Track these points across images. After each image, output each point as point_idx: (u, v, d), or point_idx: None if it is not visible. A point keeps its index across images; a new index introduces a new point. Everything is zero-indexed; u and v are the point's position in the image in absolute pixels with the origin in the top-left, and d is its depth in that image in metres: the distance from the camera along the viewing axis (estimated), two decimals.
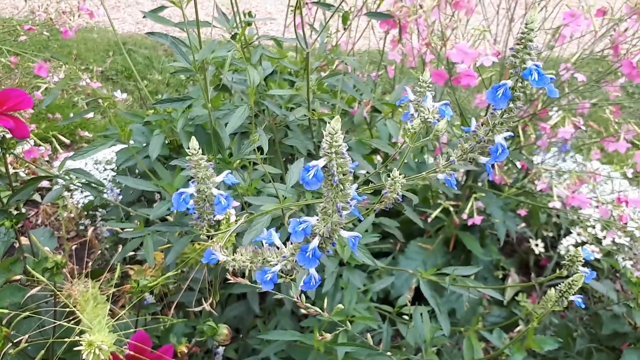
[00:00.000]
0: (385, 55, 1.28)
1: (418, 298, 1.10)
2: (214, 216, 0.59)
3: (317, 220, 0.45)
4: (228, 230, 0.64)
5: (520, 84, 0.45)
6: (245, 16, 1.10)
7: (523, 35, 0.44)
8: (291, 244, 0.49)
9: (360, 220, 0.69)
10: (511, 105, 0.46)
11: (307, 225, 0.45)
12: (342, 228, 0.45)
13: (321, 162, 0.41)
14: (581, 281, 0.62)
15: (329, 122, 1.09)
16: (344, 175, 0.42)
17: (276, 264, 0.49)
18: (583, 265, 0.70)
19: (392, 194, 0.52)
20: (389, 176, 0.53)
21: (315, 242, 0.45)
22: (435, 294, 0.95)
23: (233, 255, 0.51)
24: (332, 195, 0.43)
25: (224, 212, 0.55)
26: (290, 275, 0.68)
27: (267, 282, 0.49)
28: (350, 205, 0.45)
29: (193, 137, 0.51)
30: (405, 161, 0.57)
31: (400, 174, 0.53)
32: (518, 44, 0.44)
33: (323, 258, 0.99)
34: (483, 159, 0.50)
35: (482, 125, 0.49)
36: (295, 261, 0.48)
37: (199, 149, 0.52)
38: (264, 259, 0.50)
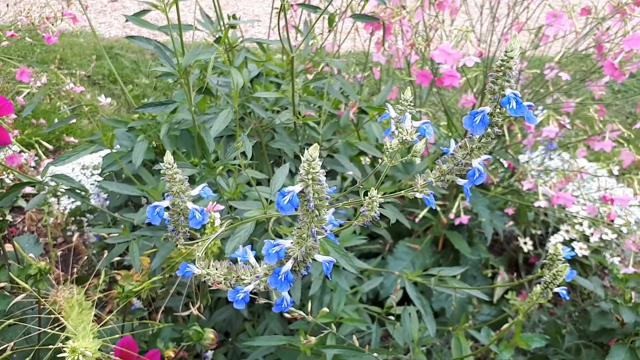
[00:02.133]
0: (370, 56, 1.29)
1: (408, 298, 1.10)
2: (189, 229, 0.58)
3: (292, 243, 0.45)
4: (210, 237, 0.63)
5: (498, 111, 0.45)
6: (229, 19, 1.09)
7: (503, 62, 0.44)
8: (265, 263, 0.48)
9: (340, 225, 0.69)
10: (489, 130, 0.46)
11: (280, 248, 0.44)
12: (316, 252, 0.45)
13: (297, 188, 0.41)
14: (566, 271, 0.62)
15: (315, 126, 1.09)
16: (320, 201, 0.42)
17: (249, 284, 0.48)
18: (570, 263, 0.71)
19: (370, 212, 0.52)
20: (366, 194, 0.53)
21: (288, 265, 0.45)
22: (422, 295, 0.95)
23: (208, 269, 0.50)
24: (307, 220, 0.43)
25: (199, 226, 0.55)
26: (263, 296, 0.68)
27: (238, 301, 0.48)
28: (326, 231, 0.45)
29: (167, 152, 0.50)
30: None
31: (383, 182, 0.53)
32: (498, 71, 0.44)
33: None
34: (461, 181, 0.50)
35: (460, 148, 0.49)
36: (268, 282, 0.47)
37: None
38: (237, 276, 0.49)
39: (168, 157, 0.50)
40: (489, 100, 0.46)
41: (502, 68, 0.44)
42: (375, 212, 0.52)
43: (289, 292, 0.48)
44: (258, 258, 0.51)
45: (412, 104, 0.55)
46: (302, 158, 0.40)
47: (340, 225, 0.62)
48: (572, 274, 0.70)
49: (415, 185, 0.52)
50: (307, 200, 0.42)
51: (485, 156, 0.49)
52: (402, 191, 0.54)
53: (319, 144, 1.15)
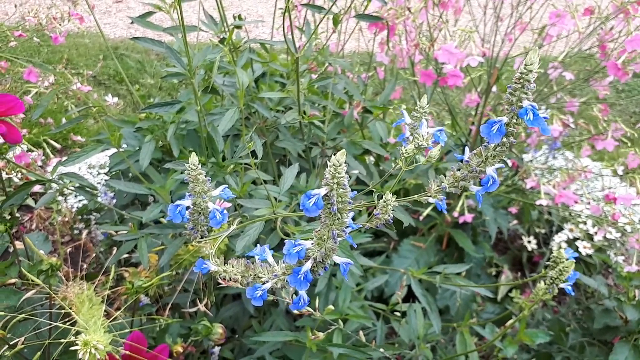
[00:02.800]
0: (374, 57, 1.30)
1: (412, 295, 1.11)
2: (207, 228, 0.59)
3: (312, 244, 0.46)
4: (220, 234, 0.65)
5: (515, 121, 0.46)
6: (235, 19, 1.11)
7: (522, 74, 0.45)
8: (283, 262, 0.49)
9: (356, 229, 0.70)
10: (504, 140, 0.47)
11: (301, 248, 0.45)
12: (335, 253, 0.46)
13: (322, 191, 0.42)
14: (572, 267, 0.63)
15: (320, 125, 1.10)
16: (342, 204, 0.43)
17: (267, 282, 0.49)
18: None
19: (384, 215, 0.53)
20: (380, 195, 0.54)
21: (308, 265, 0.46)
22: (427, 292, 0.96)
23: (225, 265, 0.51)
24: (329, 223, 0.44)
25: (219, 226, 0.56)
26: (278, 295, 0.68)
27: (257, 298, 0.49)
28: (345, 233, 0.46)
29: (193, 154, 0.51)
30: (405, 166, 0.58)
31: (386, 181, 0.54)
32: (516, 83, 0.45)
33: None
34: (474, 188, 0.51)
35: (475, 155, 0.50)
36: (287, 281, 0.48)
37: (197, 164, 0.52)
38: (255, 274, 0.50)
39: (193, 158, 0.51)
40: (505, 111, 0.46)
41: (521, 80, 0.45)
42: (390, 216, 0.53)
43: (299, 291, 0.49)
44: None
45: (427, 111, 0.56)
46: (329, 162, 0.41)
47: (356, 229, 0.63)
48: (574, 275, 0.70)
49: (429, 190, 0.53)
50: (331, 203, 0.43)
51: (499, 164, 0.50)
52: (416, 196, 0.55)
53: (324, 143, 1.16)
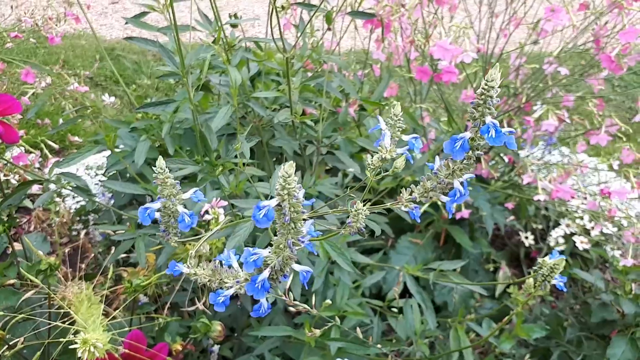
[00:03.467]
0: (370, 54, 1.30)
1: (409, 292, 1.11)
2: (179, 230, 0.59)
3: (270, 252, 0.46)
4: (203, 236, 0.65)
5: (479, 137, 0.46)
6: (231, 18, 1.11)
7: (484, 90, 0.44)
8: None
9: (318, 237, 0.70)
10: (470, 154, 0.47)
11: (258, 257, 0.46)
12: (293, 262, 0.46)
13: (273, 202, 0.43)
14: (562, 265, 0.63)
15: (312, 125, 1.10)
16: (296, 214, 0.43)
17: (231, 287, 0.49)
18: (570, 257, 0.72)
19: (356, 224, 0.53)
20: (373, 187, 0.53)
21: (265, 273, 0.46)
22: (422, 289, 0.96)
23: (196, 269, 0.52)
24: (284, 232, 0.44)
25: (187, 229, 0.56)
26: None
27: (219, 304, 0.49)
28: (303, 242, 0.46)
29: (160, 158, 0.51)
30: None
31: (383, 179, 0.54)
32: (479, 99, 0.45)
33: (311, 256, 1.00)
34: (444, 198, 0.51)
35: (443, 167, 0.50)
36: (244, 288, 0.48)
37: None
38: (221, 279, 0.50)
39: (160, 162, 0.51)
40: (470, 128, 0.46)
41: (483, 96, 0.44)
42: (361, 224, 0.53)
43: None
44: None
45: (400, 119, 0.55)
46: (278, 173, 0.42)
47: (323, 233, 0.63)
48: (562, 279, 0.70)
49: (399, 199, 0.53)
50: (284, 214, 0.43)
51: (468, 175, 0.50)
52: (388, 204, 0.55)
53: (318, 141, 1.17)
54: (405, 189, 0.53)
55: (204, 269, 0.51)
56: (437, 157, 0.51)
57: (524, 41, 1.32)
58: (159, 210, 0.55)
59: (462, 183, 0.49)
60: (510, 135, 0.45)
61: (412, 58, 1.28)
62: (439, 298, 1.31)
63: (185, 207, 0.55)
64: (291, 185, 0.41)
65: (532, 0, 1.26)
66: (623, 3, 1.15)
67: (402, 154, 0.55)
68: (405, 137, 0.55)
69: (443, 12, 1.21)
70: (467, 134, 0.46)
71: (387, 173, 0.55)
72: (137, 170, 0.99)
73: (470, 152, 0.47)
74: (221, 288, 0.49)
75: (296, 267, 0.47)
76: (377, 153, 0.53)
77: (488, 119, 0.44)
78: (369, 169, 0.54)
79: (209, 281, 0.50)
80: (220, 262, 0.52)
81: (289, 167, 0.41)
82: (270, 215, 0.43)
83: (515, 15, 1.26)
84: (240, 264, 0.50)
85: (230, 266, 0.51)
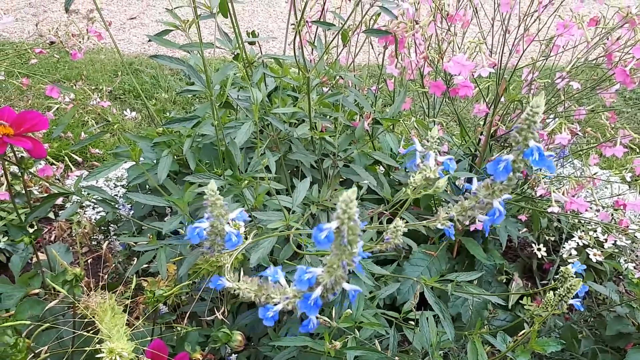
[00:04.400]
0: (384, 69, 1.33)
1: (424, 303, 1.12)
2: (224, 248, 0.61)
3: (322, 271, 0.47)
4: (234, 254, 0.67)
5: (521, 158, 0.47)
6: (249, 36, 1.14)
7: (528, 116, 0.46)
8: (295, 286, 0.50)
9: (366, 257, 0.72)
10: (511, 175, 0.49)
11: (312, 276, 0.47)
12: (344, 281, 0.48)
13: (334, 225, 0.44)
14: (579, 286, 0.65)
15: (331, 141, 1.13)
16: (353, 236, 0.44)
17: (279, 303, 0.51)
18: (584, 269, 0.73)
19: (394, 240, 0.55)
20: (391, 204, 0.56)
21: (318, 291, 0.47)
22: (440, 300, 0.98)
23: (238, 283, 0.53)
24: (339, 253, 0.45)
25: (233, 248, 0.58)
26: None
27: (268, 319, 0.51)
28: (355, 263, 0.47)
29: (212, 182, 0.54)
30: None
31: (397, 192, 0.56)
32: (522, 124, 0.46)
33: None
34: (482, 218, 0.53)
35: (483, 187, 0.52)
36: (297, 305, 0.49)
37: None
38: (267, 294, 0.52)
39: (212, 185, 0.53)
40: (513, 150, 0.47)
41: (527, 121, 0.46)
42: (399, 240, 0.55)
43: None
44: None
45: (438, 142, 0.58)
46: (340, 198, 0.43)
47: (366, 258, 0.65)
48: (584, 288, 0.72)
49: (437, 217, 0.55)
50: (342, 236, 0.44)
51: (506, 196, 0.51)
52: (425, 222, 0.57)
53: (335, 154, 1.19)
54: (436, 207, 0.55)
55: (247, 284, 0.52)
56: (474, 179, 0.53)
57: (536, 56, 1.34)
58: (205, 229, 0.57)
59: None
60: (550, 159, 0.47)
61: (425, 73, 1.31)
62: (452, 310, 1.32)
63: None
64: (352, 210, 0.42)
65: (545, 17, 1.28)
66: (635, 18, 1.17)
67: (447, 169, 0.57)
68: (440, 158, 0.57)
69: (456, 28, 1.24)
70: (511, 157, 0.47)
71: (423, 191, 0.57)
72: (158, 182, 1.03)
73: (512, 173, 0.48)
74: (268, 303, 0.51)
75: (346, 286, 0.48)
76: (420, 172, 0.55)
77: (532, 143, 0.46)
78: (410, 187, 0.56)
79: (254, 295, 0.52)
80: (264, 277, 0.53)
81: (351, 193, 0.42)
82: (331, 237, 0.44)
83: (528, 31, 1.28)
84: (288, 281, 0.51)
85: (276, 282, 0.52)
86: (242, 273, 0.56)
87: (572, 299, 0.73)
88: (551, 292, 0.75)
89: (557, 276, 0.73)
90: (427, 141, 0.57)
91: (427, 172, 0.55)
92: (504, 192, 0.50)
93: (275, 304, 0.50)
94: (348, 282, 0.48)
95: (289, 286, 0.52)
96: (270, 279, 0.53)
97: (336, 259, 0.46)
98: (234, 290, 0.53)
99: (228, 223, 0.57)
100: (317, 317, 0.76)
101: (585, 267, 0.72)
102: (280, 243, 0.95)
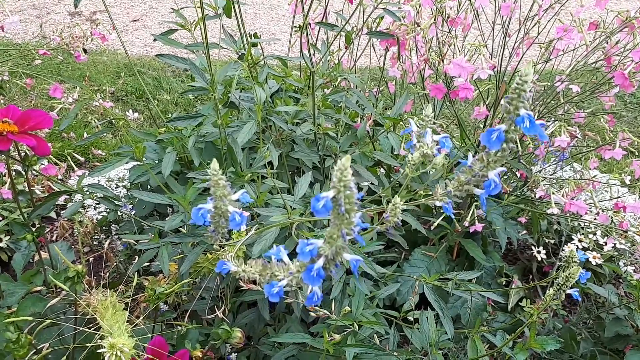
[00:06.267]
0: (385, 71, 1.34)
1: (423, 304, 1.13)
2: (228, 230, 0.62)
3: (323, 242, 0.49)
4: (239, 240, 0.68)
5: (513, 128, 0.49)
6: (251, 37, 1.16)
7: (517, 85, 0.48)
8: (297, 261, 0.52)
9: (364, 229, 0.73)
10: (504, 146, 0.50)
11: (313, 247, 0.48)
12: (345, 252, 0.49)
13: (330, 194, 0.45)
14: (577, 274, 0.65)
15: (334, 136, 1.15)
16: (350, 205, 0.46)
17: (283, 279, 0.52)
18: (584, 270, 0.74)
19: (393, 218, 0.56)
20: (389, 201, 0.57)
21: (320, 262, 0.48)
22: (440, 299, 0.98)
23: (243, 266, 0.55)
24: (338, 223, 0.47)
25: (238, 227, 0.59)
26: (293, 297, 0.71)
27: (273, 294, 0.52)
28: (354, 232, 0.48)
29: (215, 159, 0.55)
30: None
31: (397, 192, 0.57)
32: (513, 93, 0.48)
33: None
34: (478, 191, 0.54)
35: (477, 160, 0.53)
36: (301, 278, 0.51)
37: (219, 169, 0.55)
38: (272, 273, 0.53)
39: (215, 164, 0.54)
40: (504, 119, 0.49)
41: (517, 90, 0.48)
42: (398, 218, 0.56)
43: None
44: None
45: (433, 120, 0.59)
46: (335, 167, 0.44)
47: (364, 229, 0.66)
48: (586, 275, 0.73)
49: (435, 193, 0.57)
50: (339, 204, 0.45)
51: (501, 168, 0.52)
52: (423, 199, 0.59)
53: (336, 154, 1.20)
54: (439, 185, 0.56)
55: (251, 266, 0.53)
56: (469, 154, 0.54)
57: (535, 59, 1.35)
58: (209, 211, 0.58)
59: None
60: (542, 128, 0.48)
61: (426, 76, 1.32)
62: (452, 311, 1.32)
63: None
64: (347, 178, 0.43)
65: (545, 20, 1.29)
66: (634, 22, 1.18)
67: (443, 147, 0.58)
68: (436, 137, 0.58)
69: (457, 31, 1.25)
70: (503, 126, 0.49)
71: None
72: (161, 181, 1.03)
73: (505, 144, 0.49)
74: (273, 281, 0.52)
75: (347, 256, 0.49)
76: (418, 150, 0.56)
77: (522, 111, 0.47)
78: (408, 165, 0.57)
79: (260, 276, 0.53)
80: (267, 258, 0.54)
81: (345, 160, 0.43)
82: (329, 205, 0.45)
83: (528, 35, 1.29)
84: (290, 258, 0.53)
85: (280, 260, 0.54)
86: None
87: (569, 289, 0.74)
88: (551, 289, 0.76)
89: (561, 262, 0.74)
90: (422, 120, 0.58)
91: (425, 149, 0.56)
92: (498, 163, 0.51)
93: (281, 280, 0.52)
94: (348, 253, 0.49)
95: (292, 264, 0.53)
96: (273, 258, 0.54)
97: (336, 229, 0.47)
98: (239, 274, 0.54)
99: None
100: (316, 311, 0.77)
101: (588, 256, 0.72)
102: (281, 240, 0.96)
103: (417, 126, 0.61)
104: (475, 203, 1.33)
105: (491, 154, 0.51)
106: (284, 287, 0.53)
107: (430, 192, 1.28)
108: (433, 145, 0.58)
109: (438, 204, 0.57)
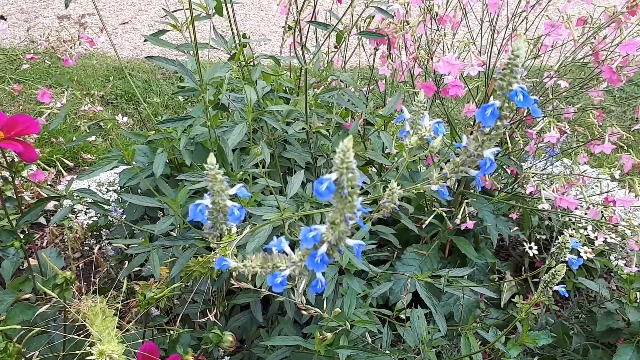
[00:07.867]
0: (375, 70, 1.34)
1: (417, 303, 1.13)
2: (226, 226, 0.62)
3: (326, 228, 0.48)
4: (235, 239, 0.67)
5: (507, 104, 0.49)
6: (241, 38, 1.15)
7: (510, 60, 0.48)
8: (299, 251, 0.52)
9: (358, 229, 0.73)
10: (499, 123, 0.50)
11: (316, 233, 0.48)
12: (347, 236, 0.49)
13: (333, 176, 0.44)
14: (563, 270, 0.66)
15: (327, 134, 1.14)
16: (352, 188, 0.45)
17: (285, 269, 0.52)
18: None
19: (390, 204, 0.56)
20: (386, 187, 0.57)
21: (323, 248, 0.48)
22: (432, 296, 0.98)
23: (243, 262, 0.54)
24: (340, 207, 0.46)
25: (237, 221, 0.59)
26: (295, 281, 0.71)
27: (277, 285, 0.52)
28: (356, 216, 0.48)
29: (211, 154, 0.54)
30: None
31: (396, 184, 0.57)
32: (505, 68, 0.48)
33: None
34: (473, 172, 0.54)
35: (472, 140, 0.54)
36: (304, 266, 0.51)
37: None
38: (274, 264, 0.53)
39: (211, 159, 0.54)
40: (498, 96, 0.49)
41: (510, 66, 0.48)
42: (395, 204, 0.56)
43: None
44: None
45: (424, 106, 0.59)
46: (337, 149, 0.43)
47: (366, 214, 0.66)
48: (578, 261, 0.73)
49: (431, 178, 0.57)
50: (342, 187, 0.44)
51: (495, 148, 0.53)
52: (418, 184, 0.59)
53: (328, 154, 1.20)
54: (435, 168, 0.56)
55: (251, 261, 0.53)
56: (463, 135, 0.55)
57: (524, 55, 1.35)
58: (206, 206, 0.57)
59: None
60: (535, 104, 0.48)
61: (415, 74, 1.32)
62: (444, 309, 1.32)
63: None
64: (349, 160, 0.43)
65: (532, 16, 1.29)
66: (621, 17, 1.19)
67: (437, 133, 0.58)
68: (431, 122, 0.58)
69: (445, 29, 1.25)
70: (497, 102, 0.49)
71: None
72: (152, 184, 1.03)
73: (499, 120, 0.50)
74: (275, 272, 0.52)
75: (349, 241, 0.49)
76: (415, 133, 0.56)
77: (515, 85, 0.48)
78: (405, 149, 0.57)
79: (261, 268, 0.53)
80: (268, 251, 0.54)
81: (348, 141, 0.43)
82: (332, 187, 0.44)
83: (516, 31, 1.29)
84: (292, 248, 0.52)
85: (281, 251, 0.53)
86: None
87: (556, 285, 0.74)
88: (546, 276, 0.76)
89: (555, 249, 0.74)
90: (415, 106, 0.58)
91: (422, 132, 0.56)
92: (493, 141, 0.52)
93: (283, 270, 0.51)
94: (350, 238, 0.49)
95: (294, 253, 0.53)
96: (274, 249, 0.54)
97: (338, 214, 0.46)
98: (239, 270, 0.54)
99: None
100: (308, 310, 0.76)
101: (580, 244, 0.73)
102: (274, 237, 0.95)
103: (410, 113, 0.61)
104: (466, 200, 1.33)
105: (485, 132, 0.51)
106: (287, 276, 0.53)
107: (422, 190, 1.28)
108: (430, 127, 0.58)
109: (434, 187, 0.57)
